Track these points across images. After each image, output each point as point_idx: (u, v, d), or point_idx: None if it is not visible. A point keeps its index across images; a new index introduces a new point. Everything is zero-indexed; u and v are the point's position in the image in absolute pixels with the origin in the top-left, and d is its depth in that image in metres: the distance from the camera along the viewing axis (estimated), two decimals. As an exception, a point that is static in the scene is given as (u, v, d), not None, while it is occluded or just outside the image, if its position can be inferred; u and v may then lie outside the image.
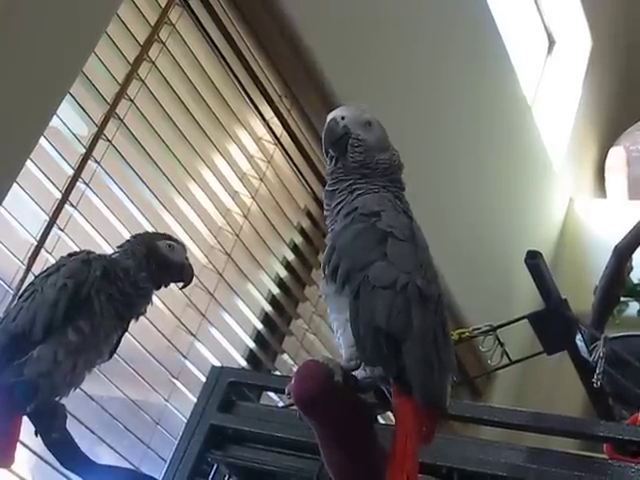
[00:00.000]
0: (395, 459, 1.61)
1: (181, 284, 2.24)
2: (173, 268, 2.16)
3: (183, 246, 2.20)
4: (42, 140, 2.90)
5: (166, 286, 2.18)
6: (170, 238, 2.20)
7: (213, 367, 2.67)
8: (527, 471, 2.12)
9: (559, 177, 6.90)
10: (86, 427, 3.11)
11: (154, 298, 2.19)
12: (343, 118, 1.92)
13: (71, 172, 3.04)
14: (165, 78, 3.45)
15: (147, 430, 3.54)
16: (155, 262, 2.12)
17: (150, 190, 3.39)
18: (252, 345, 4.06)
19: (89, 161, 3.10)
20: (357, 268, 1.71)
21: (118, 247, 2.19)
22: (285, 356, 4.24)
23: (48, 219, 2.95)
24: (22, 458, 2.76)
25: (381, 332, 1.65)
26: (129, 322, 2.13)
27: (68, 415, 2.09)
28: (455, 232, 5.14)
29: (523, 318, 2.80)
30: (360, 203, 1.81)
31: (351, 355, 1.71)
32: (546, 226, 6.82)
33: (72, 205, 3.03)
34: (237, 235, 3.87)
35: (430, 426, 1.67)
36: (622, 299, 3.27)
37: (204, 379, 2.66)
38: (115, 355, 2.19)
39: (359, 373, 1.75)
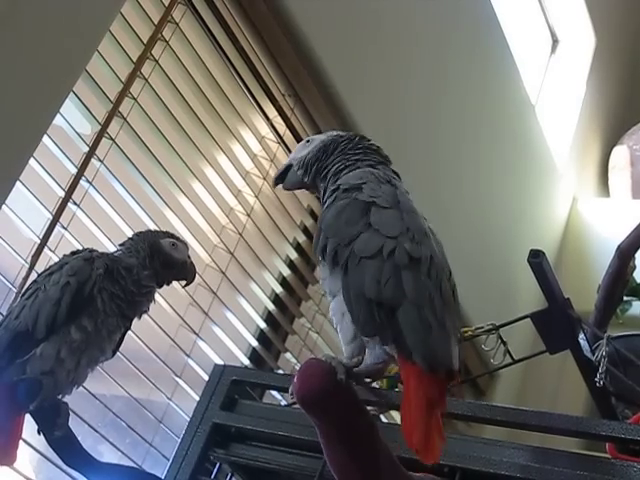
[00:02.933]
0: (403, 429, 1.60)
1: (184, 283, 2.24)
2: (176, 266, 2.16)
3: (186, 244, 2.21)
4: (45, 138, 2.90)
5: (168, 284, 2.18)
6: (173, 236, 2.20)
7: (216, 366, 2.67)
8: (530, 470, 2.11)
9: (562, 176, 6.89)
10: (89, 425, 3.12)
11: (157, 297, 2.19)
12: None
13: (74, 170, 3.04)
14: (168, 77, 3.45)
15: (150, 428, 3.54)
16: (158, 260, 2.13)
17: (153, 189, 3.40)
18: (255, 344, 4.07)
19: (92, 160, 3.10)
20: (343, 244, 1.71)
21: (120, 245, 2.19)
22: (288, 355, 4.25)
23: (51, 217, 2.95)
24: (25, 456, 2.77)
25: (372, 302, 1.64)
26: (132, 320, 2.13)
27: (71, 413, 2.09)
28: (458, 231, 5.14)
29: (526, 317, 2.79)
30: (342, 180, 1.82)
31: (352, 352, 1.71)
32: (549, 225, 6.82)
33: (75, 203, 3.03)
34: (240, 234, 3.87)
35: (438, 391, 1.62)
36: (625, 298, 3.26)
37: (207, 378, 2.66)
38: (118, 353, 2.19)
39: (367, 359, 1.75)
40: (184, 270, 2.19)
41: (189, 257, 2.19)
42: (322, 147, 1.95)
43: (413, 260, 1.68)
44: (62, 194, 2.99)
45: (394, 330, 1.63)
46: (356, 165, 1.88)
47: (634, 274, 3.23)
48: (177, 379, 3.59)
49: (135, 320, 2.15)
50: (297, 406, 1.72)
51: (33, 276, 2.74)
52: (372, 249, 1.68)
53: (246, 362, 4.00)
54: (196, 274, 2.23)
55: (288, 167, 1.99)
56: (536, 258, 2.66)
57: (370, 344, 1.74)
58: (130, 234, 2.24)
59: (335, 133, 2.00)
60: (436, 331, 1.63)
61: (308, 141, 2.00)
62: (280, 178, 2.02)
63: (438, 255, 1.75)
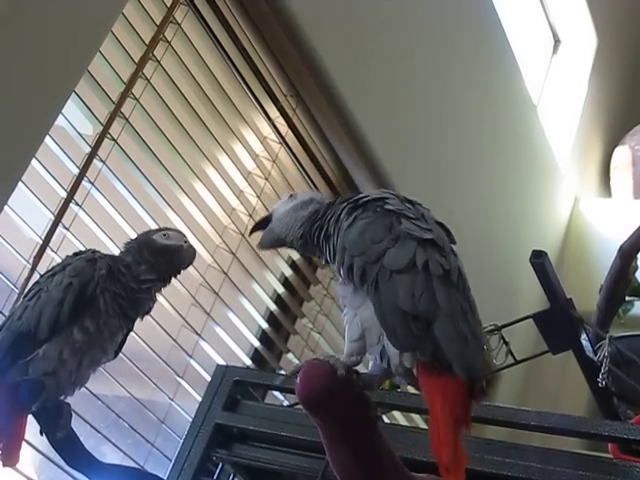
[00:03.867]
0: (432, 447, 1.60)
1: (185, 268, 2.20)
2: (170, 252, 2.12)
3: (180, 232, 2.17)
4: (47, 139, 2.90)
5: (171, 275, 2.14)
6: (166, 229, 2.18)
7: (218, 366, 2.68)
8: (532, 471, 2.11)
9: (564, 176, 6.89)
10: (91, 426, 3.12)
11: (159, 297, 2.18)
12: None
13: (76, 171, 3.04)
14: (170, 77, 3.46)
15: (152, 429, 3.54)
16: (152, 252, 2.10)
17: (155, 189, 3.40)
18: (257, 344, 4.07)
19: (94, 160, 3.10)
20: (371, 261, 1.70)
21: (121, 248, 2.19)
22: (290, 355, 4.25)
23: (53, 218, 2.95)
24: (27, 457, 2.77)
25: (408, 316, 1.63)
26: (134, 321, 2.13)
27: (73, 414, 2.09)
28: (459, 231, 5.09)
29: (528, 317, 2.80)
30: (361, 201, 1.82)
31: (352, 350, 1.71)
32: (551, 225, 6.82)
33: (77, 204, 3.04)
34: (242, 234, 3.87)
35: (463, 406, 1.63)
36: (627, 298, 3.26)
37: (209, 378, 2.66)
38: (120, 354, 2.19)
39: (370, 370, 1.76)
40: (179, 254, 2.13)
41: (185, 242, 2.15)
42: (309, 217, 1.91)
43: (445, 272, 1.69)
44: (64, 195, 2.99)
45: (432, 343, 1.62)
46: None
47: (636, 274, 3.23)
48: (179, 379, 3.59)
49: (137, 321, 2.15)
50: (299, 406, 1.73)
51: (35, 277, 2.74)
52: (403, 262, 1.68)
53: (248, 362, 4.00)
54: (195, 255, 2.17)
55: (268, 219, 1.98)
56: (538, 258, 2.66)
57: (371, 356, 1.75)
58: (132, 235, 2.24)
59: (318, 197, 1.97)
60: (472, 342, 1.64)
61: (291, 196, 1.98)
62: (259, 227, 2.01)
63: (463, 268, 1.77)
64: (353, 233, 1.76)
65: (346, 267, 1.74)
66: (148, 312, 2.14)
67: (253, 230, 2.03)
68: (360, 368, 1.75)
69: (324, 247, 1.85)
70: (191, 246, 2.16)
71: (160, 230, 2.16)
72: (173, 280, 2.18)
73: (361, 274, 1.70)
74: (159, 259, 2.10)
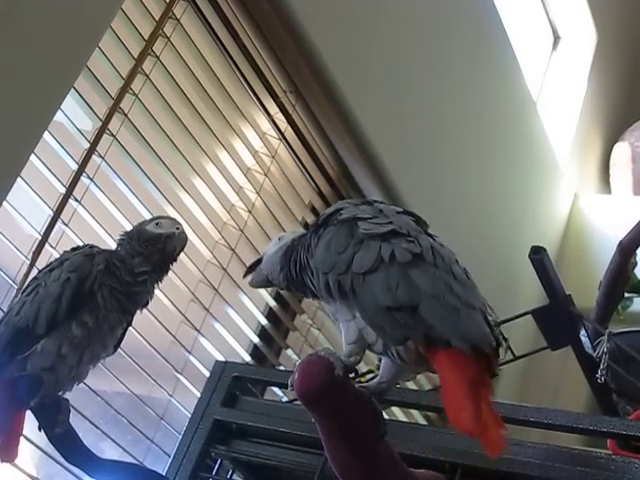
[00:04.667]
0: (449, 416, 1.59)
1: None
2: (160, 240, 2.10)
3: (173, 219, 2.16)
4: (46, 135, 2.90)
5: (166, 264, 2.12)
6: (158, 217, 2.16)
7: (217, 362, 2.68)
8: (531, 467, 2.12)
9: (564, 173, 6.89)
10: (90, 422, 3.12)
11: (158, 293, 2.18)
12: None
13: (75, 167, 3.04)
14: (170, 73, 3.45)
15: (151, 425, 3.54)
16: (143, 242, 2.09)
17: (154, 185, 3.40)
18: (256, 340, 4.07)
19: (93, 156, 3.10)
20: (342, 271, 1.71)
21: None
22: (289, 351, 4.25)
23: (52, 214, 2.95)
24: (26, 453, 2.77)
25: (391, 310, 1.64)
26: (133, 315, 2.12)
27: (72, 410, 2.09)
28: (459, 227, 5.14)
29: (527, 313, 2.80)
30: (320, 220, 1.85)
31: (351, 351, 1.72)
32: (551, 222, 6.81)
33: (76, 200, 3.03)
34: (241, 230, 3.87)
35: (477, 371, 1.62)
36: (626, 295, 3.26)
37: (208, 374, 2.66)
38: (119, 350, 2.19)
39: (380, 376, 1.77)
40: (171, 242, 2.11)
41: (178, 228, 2.12)
42: (283, 255, 1.93)
43: (416, 256, 1.69)
44: (63, 190, 2.99)
45: (423, 326, 1.62)
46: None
47: (635, 270, 3.23)
48: (178, 375, 3.59)
49: (136, 316, 2.14)
50: (298, 402, 1.73)
51: (34, 273, 2.74)
52: (371, 261, 1.69)
53: (247, 358, 4.00)
54: (186, 241, 2.14)
55: (260, 260, 2.01)
56: (537, 254, 2.66)
57: (382, 361, 1.76)
58: (131, 230, 2.23)
59: (297, 235, 1.98)
60: (464, 312, 1.64)
61: (280, 238, 2.00)
62: (251, 268, 2.04)
63: (438, 245, 1.76)
64: (319, 251, 1.78)
65: (323, 286, 1.75)
66: (146, 304, 2.13)
67: (246, 273, 2.06)
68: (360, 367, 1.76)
69: (305, 279, 1.87)
70: (182, 232, 2.13)
71: (153, 219, 2.15)
72: (172, 276, 2.18)
73: (338, 288, 1.72)
74: (151, 249, 2.09)
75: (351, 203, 1.85)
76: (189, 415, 2.59)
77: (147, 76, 3.31)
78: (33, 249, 2.87)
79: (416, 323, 1.63)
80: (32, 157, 2.84)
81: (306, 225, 4.28)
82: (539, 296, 3.10)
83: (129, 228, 2.20)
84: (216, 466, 2.52)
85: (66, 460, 2.13)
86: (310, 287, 1.86)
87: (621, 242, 3.13)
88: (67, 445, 2.09)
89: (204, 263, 3.69)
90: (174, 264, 2.16)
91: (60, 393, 2.06)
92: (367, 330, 1.70)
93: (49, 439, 2.07)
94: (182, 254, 2.17)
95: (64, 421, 2.05)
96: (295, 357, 4.22)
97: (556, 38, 7.23)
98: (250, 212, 3.92)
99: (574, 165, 7.17)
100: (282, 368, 4.11)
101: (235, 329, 3.90)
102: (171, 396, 3.56)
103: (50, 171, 2.93)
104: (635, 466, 2.04)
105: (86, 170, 3.08)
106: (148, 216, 3.27)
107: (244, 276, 2.08)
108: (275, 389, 3.68)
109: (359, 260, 1.70)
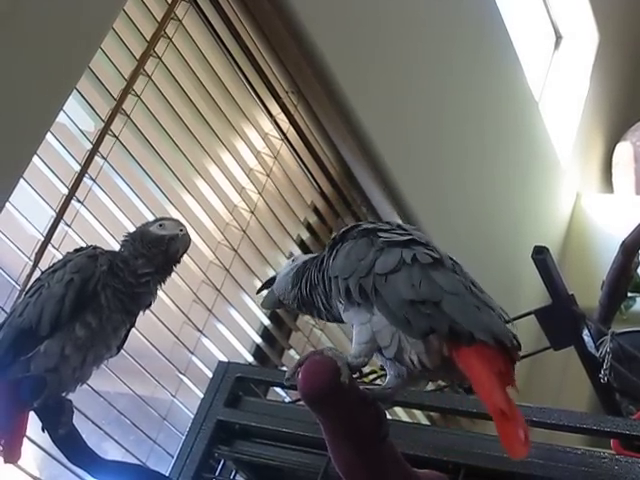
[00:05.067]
0: (483, 399, 1.63)
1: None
2: (164, 242, 2.09)
3: (176, 221, 2.16)
4: (49, 136, 2.90)
5: (169, 265, 2.12)
6: (162, 219, 2.16)
7: (220, 362, 2.68)
8: (534, 467, 2.11)
9: (566, 172, 6.89)
10: (93, 423, 3.12)
11: (161, 294, 2.18)
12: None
13: (78, 168, 3.04)
14: (172, 74, 3.45)
15: (154, 426, 3.54)
16: (146, 244, 2.09)
17: (157, 186, 3.40)
18: (259, 340, 4.07)
19: (96, 157, 3.10)
20: (363, 275, 1.74)
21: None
22: (292, 352, 4.25)
23: (55, 215, 2.95)
24: (29, 454, 2.77)
25: (415, 303, 1.67)
26: (136, 316, 2.12)
27: (75, 411, 2.09)
28: (460, 227, 5.14)
29: (530, 313, 2.80)
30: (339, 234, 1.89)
31: (360, 352, 1.72)
32: (553, 221, 6.81)
33: (79, 201, 3.03)
34: (244, 231, 3.87)
35: (503, 364, 1.67)
36: (629, 294, 3.26)
37: (211, 375, 2.66)
38: (122, 351, 2.18)
39: (385, 384, 1.78)
40: (174, 244, 2.10)
41: (181, 230, 2.12)
42: (295, 275, 1.97)
43: (435, 260, 1.73)
44: (66, 191, 2.99)
45: (447, 320, 1.65)
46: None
47: (638, 270, 3.23)
48: (181, 376, 3.59)
49: (139, 318, 2.14)
50: (301, 403, 1.73)
51: (37, 274, 2.74)
52: (393, 263, 1.72)
53: (250, 359, 4.00)
54: (190, 243, 2.14)
55: (274, 279, 2.04)
56: (540, 254, 2.66)
57: (388, 367, 1.77)
58: (133, 231, 2.23)
59: (309, 257, 2.00)
60: (484, 311, 1.69)
61: (293, 260, 2.03)
62: (264, 286, 2.08)
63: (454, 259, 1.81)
64: (339, 260, 1.81)
65: (343, 291, 1.77)
66: (149, 306, 2.13)
67: (259, 290, 2.11)
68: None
69: (315, 299, 1.90)
70: (186, 234, 2.12)
71: (157, 220, 2.15)
72: (175, 276, 2.18)
73: (359, 290, 1.74)
74: (154, 251, 2.09)
75: (368, 222, 1.89)
76: (192, 416, 2.59)
77: (149, 77, 3.32)
78: (36, 250, 2.88)
79: (440, 316, 1.66)
80: (35, 158, 2.84)
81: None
82: (542, 296, 3.09)
83: (132, 229, 2.20)
84: (219, 467, 2.52)
85: (69, 461, 2.12)
86: (319, 306, 1.90)
87: (624, 241, 3.13)
88: (70, 446, 2.09)
89: (207, 264, 3.69)
90: (177, 265, 2.16)
91: (63, 394, 2.06)
92: (382, 333, 1.71)
93: (52, 440, 2.07)
94: (185, 255, 2.17)
95: (67, 422, 2.05)
96: (298, 357, 4.21)
97: (558, 38, 7.24)
98: (252, 213, 3.92)
99: (576, 164, 7.17)
100: (285, 369, 4.11)
101: (238, 330, 3.90)
102: (174, 397, 3.56)
103: (53, 172, 2.93)
104: (638, 466, 2.05)
105: (88, 171, 3.08)
106: (150, 217, 3.27)
107: (257, 292, 2.12)
108: (278, 389, 3.68)
109: (381, 263, 1.73)
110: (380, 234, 1.80)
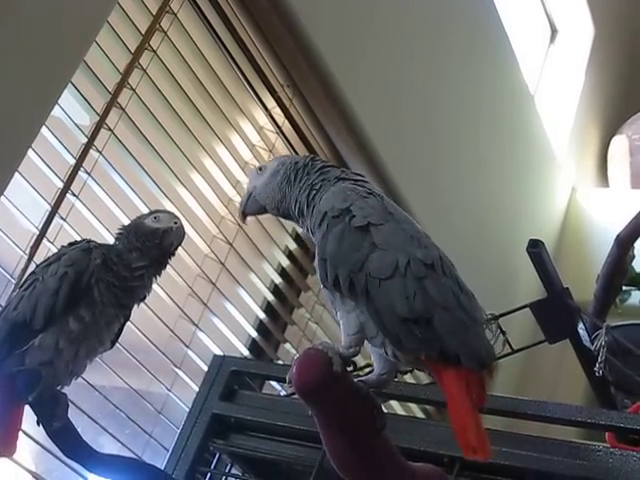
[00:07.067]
0: (457, 434, 1.62)
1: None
2: (158, 235, 2.09)
3: (171, 214, 2.16)
4: (44, 129, 2.90)
5: (163, 258, 2.12)
6: (157, 211, 2.16)
7: (215, 356, 2.68)
8: (529, 460, 2.12)
9: (561, 166, 6.89)
10: (89, 416, 3.12)
11: (156, 287, 2.17)
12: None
13: (73, 161, 3.04)
14: (167, 67, 3.45)
15: (149, 419, 3.54)
16: (140, 237, 2.09)
17: (152, 179, 3.39)
18: (254, 334, 4.07)
19: (91, 150, 3.10)
20: (356, 270, 1.70)
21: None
22: (287, 345, 4.25)
23: (50, 208, 2.94)
24: (24, 447, 2.77)
25: (409, 321, 1.64)
26: (131, 310, 2.12)
27: (70, 404, 2.09)
28: (456, 221, 5.14)
29: (525, 307, 2.80)
30: (325, 206, 1.81)
31: (350, 342, 1.71)
32: (548, 215, 6.82)
33: (74, 194, 3.03)
34: (239, 224, 3.87)
35: (480, 388, 1.66)
36: (624, 288, 3.27)
37: (206, 368, 2.66)
38: (117, 344, 2.18)
39: (376, 370, 1.77)
40: (168, 236, 2.10)
41: (176, 223, 2.12)
42: (284, 179, 1.94)
43: (428, 267, 1.70)
44: (61, 185, 2.99)
45: (438, 342, 1.64)
46: (325, 185, 1.87)
47: (633, 263, 3.24)
48: (176, 370, 3.59)
49: (134, 311, 2.14)
50: (296, 396, 1.73)
51: (32, 267, 2.74)
52: (388, 268, 1.68)
53: (245, 353, 4.00)
54: (184, 236, 2.14)
55: (250, 196, 2.03)
56: (535, 248, 2.66)
57: (375, 354, 1.76)
58: (129, 225, 2.22)
59: (289, 160, 1.97)
60: (472, 328, 1.67)
61: (261, 169, 2.01)
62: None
63: (442, 251, 1.77)
64: (331, 243, 1.76)
65: (331, 279, 1.74)
66: (144, 299, 2.13)
67: (244, 214, 2.07)
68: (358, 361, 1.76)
69: (300, 221, 1.90)
70: (180, 227, 2.12)
71: (151, 213, 2.15)
72: (170, 270, 2.18)
73: (349, 285, 1.71)
74: (148, 244, 2.08)
75: (357, 194, 1.81)
76: (187, 409, 2.59)
77: (144, 71, 3.31)
78: (31, 244, 2.87)
79: (431, 337, 1.64)
80: (30, 152, 2.84)
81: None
82: (537, 289, 3.10)
83: (127, 223, 2.19)
84: (214, 460, 2.52)
85: (65, 455, 2.12)
86: (304, 227, 1.90)
87: (619, 235, 3.13)
88: (66, 440, 2.09)
89: (202, 257, 3.69)
90: (172, 258, 2.16)
91: (58, 387, 2.06)
92: (369, 325, 1.70)
93: (47, 434, 2.07)
94: (180, 248, 2.17)
95: (62, 415, 2.05)
96: (293, 351, 4.22)
97: (553, 31, 7.23)
98: (248, 206, 3.91)
99: (572, 158, 7.17)
100: (280, 362, 4.11)
101: (233, 323, 3.90)
102: (169, 390, 3.57)
103: (48, 166, 2.93)
104: (633, 459, 2.05)
105: (84, 165, 3.07)
106: (146, 211, 3.27)
107: (243, 217, 2.08)
108: (273, 383, 3.68)
109: (376, 262, 1.69)
110: (372, 229, 1.74)
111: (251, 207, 2.04)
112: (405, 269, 1.67)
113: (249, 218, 2.08)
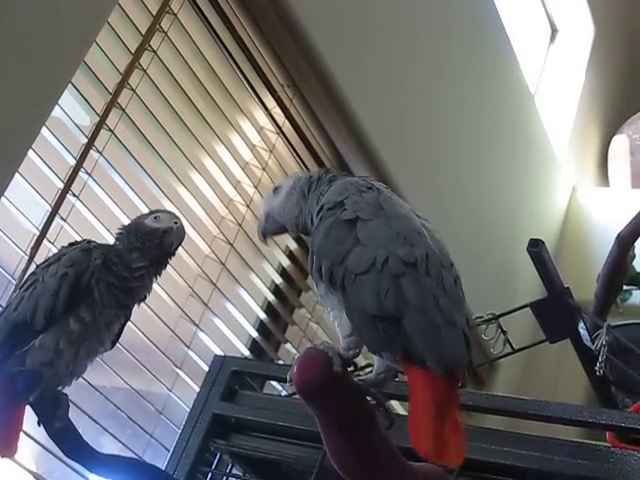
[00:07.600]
0: (410, 438, 1.59)
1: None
2: (158, 235, 2.08)
3: (171, 213, 2.15)
4: (44, 130, 2.90)
5: (164, 258, 2.11)
6: (157, 211, 2.15)
7: (216, 356, 2.68)
8: (530, 459, 2.12)
9: (562, 166, 6.89)
10: (89, 417, 3.12)
11: (157, 288, 2.17)
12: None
13: (73, 162, 3.04)
14: (167, 68, 3.45)
15: (150, 420, 3.55)
16: (140, 237, 2.08)
17: (152, 180, 3.40)
18: (255, 334, 4.07)
19: (91, 151, 3.10)
20: (337, 263, 1.69)
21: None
22: (288, 345, 4.25)
23: (50, 209, 2.95)
24: (25, 448, 2.77)
25: (376, 318, 1.62)
26: (131, 310, 2.12)
27: (71, 405, 2.09)
28: (457, 220, 5.14)
29: (525, 306, 2.80)
30: (325, 198, 1.81)
31: (348, 345, 1.70)
32: (549, 214, 6.82)
33: (74, 195, 3.03)
34: (240, 225, 3.87)
35: (447, 390, 1.61)
36: (625, 287, 3.27)
37: (207, 368, 2.66)
38: (118, 345, 2.18)
39: (375, 369, 1.77)
40: (168, 236, 2.09)
41: (176, 223, 2.11)
42: (300, 194, 1.92)
43: (409, 265, 1.65)
44: (61, 186, 2.99)
45: (403, 340, 1.60)
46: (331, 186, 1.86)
47: (634, 263, 3.24)
48: (177, 370, 3.59)
49: (135, 311, 2.14)
50: (297, 396, 1.73)
51: (32, 268, 2.74)
52: (365, 264, 1.65)
53: (246, 353, 4.00)
54: (184, 236, 2.13)
55: (267, 217, 1.99)
56: (535, 247, 2.66)
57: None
58: (129, 226, 2.22)
59: (304, 176, 1.96)
60: (445, 331, 1.61)
61: (276, 189, 1.98)
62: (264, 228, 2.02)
63: (435, 251, 1.72)
64: (319, 235, 1.75)
65: (316, 269, 1.74)
66: (144, 299, 2.13)
67: (264, 235, 2.02)
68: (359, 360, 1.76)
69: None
70: (181, 227, 2.12)
71: (151, 213, 2.14)
72: (171, 270, 2.18)
73: (329, 277, 1.70)
74: (148, 244, 2.08)
75: (356, 188, 1.80)
76: (188, 410, 2.59)
77: (144, 71, 3.31)
78: (31, 244, 2.87)
79: (396, 336, 1.61)
80: (30, 152, 2.84)
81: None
82: (537, 289, 3.10)
83: (127, 223, 2.19)
84: (215, 460, 2.52)
85: (65, 455, 2.12)
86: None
87: (619, 234, 3.13)
88: (66, 440, 2.09)
89: (202, 258, 3.69)
90: (172, 259, 2.15)
91: (59, 388, 2.06)
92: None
93: (48, 434, 2.07)
94: (180, 249, 2.16)
95: (63, 416, 2.05)
96: (294, 351, 4.23)
97: (554, 31, 7.23)
98: (248, 206, 3.92)
99: (572, 158, 7.17)
100: (281, 362, 4.11)
101: (234, 323, 3.90)
102: (170, 391, 3.57)
103: (48, 166, 2.93)
104: (634, 458, 2.05)
105: (84, 165, 3.07)
106: (146, 211, 3.27)
107: (264, 238, 2.03)
108: (274, 383, 3.68)
109: (355, 257, 1.67)
110: (359, 224, 1.72)
111: (271, 227, 2.00)
112: (382, 265, 1.64)
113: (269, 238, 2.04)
